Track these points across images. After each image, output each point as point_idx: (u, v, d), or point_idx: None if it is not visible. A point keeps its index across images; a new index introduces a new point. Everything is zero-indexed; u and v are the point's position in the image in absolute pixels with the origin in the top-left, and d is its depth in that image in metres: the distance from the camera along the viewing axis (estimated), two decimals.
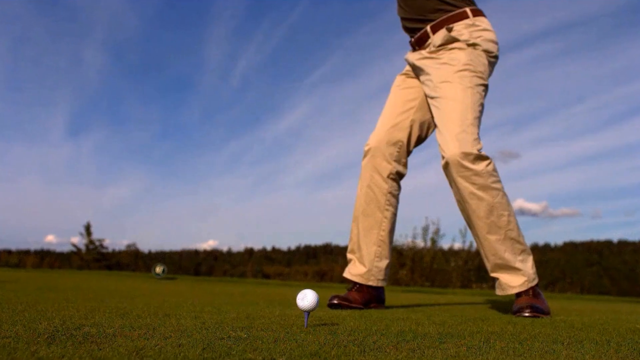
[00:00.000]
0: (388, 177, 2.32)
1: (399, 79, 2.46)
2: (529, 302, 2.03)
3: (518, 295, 2.12)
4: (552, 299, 4.52)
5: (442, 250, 13.30)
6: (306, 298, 1.28)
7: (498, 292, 2.17)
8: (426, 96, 2.31)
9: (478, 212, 2.09)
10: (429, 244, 12.91)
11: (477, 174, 2.06)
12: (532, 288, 2.12)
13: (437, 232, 12.89)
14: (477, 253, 14.16)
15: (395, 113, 2.37)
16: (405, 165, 2.36)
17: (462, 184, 2.07)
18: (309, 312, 1.30)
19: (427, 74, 2.27)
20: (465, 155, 2.05)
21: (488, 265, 2.17)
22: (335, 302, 2.18)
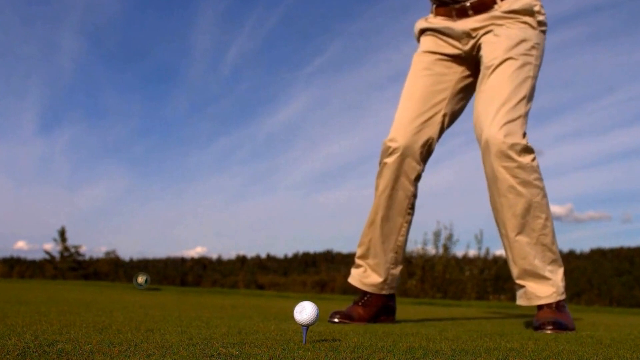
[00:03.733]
0: (415, 179, 2.31)
1: (425, 61, 2.36)
2: (552, 317, 2.03)
3: (540, 307, 2.12)
4: (577, 312, 4.52)
5: (455, 258, 13.33)
6: (304, 311, 1.28)
7: (521, 301, 2.16)
8: (477, 66, 2.27)
9: (514, 208, 2.09)
10: (440, 251, 12.93)
11: (521, 166, 2.07)
12: (558, 301, 2.12)
13: (449, 237, 12.92)
14: (494, 261, 14.22)
15: (426, 105, 2.31)
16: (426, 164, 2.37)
17: (504, 175, 2.07)
18: (307, 326, 1.30)
19: (490, 42, 2.22)
20: (513, 145, 2.06)
21: (514, 271, 2.16)
22: (336, 320, 2.18)
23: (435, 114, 2.31)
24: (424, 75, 2.34)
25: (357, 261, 2.36)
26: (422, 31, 2.43)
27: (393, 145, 2.27)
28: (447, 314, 3.78)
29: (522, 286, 2.16)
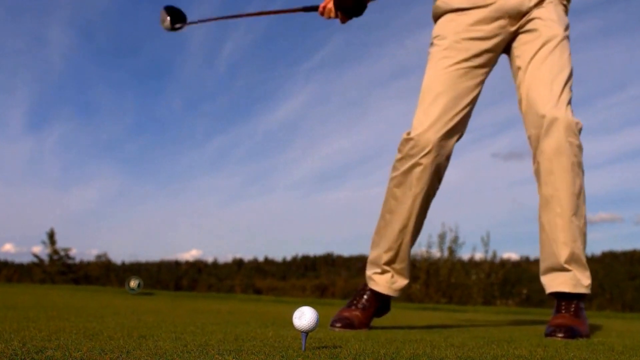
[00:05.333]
0: (442, 177, 2.33)
1: (456, 52, 2.26)
2: (567, 322, 2.02)
3: (557, 311, 2.12)
4: (588, 318, 4.51)
5: (461, 262, 13.34)
6: (304, 317, 1.28)
7: (564, 287, 2.11)
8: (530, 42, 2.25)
9: (573, 188, 2.11)
10: (446, 254, 12.94)
11: (580, 148, 2.14)
12: (578, 302, 2.12)
13: (455, 240, 12.93)
14: (502, 265, 14.20)
15: (462, 101, 2.26)
16: None
17: (570, 150, 2.10)
18: (306, 333, 1.30)
19: (546, 17, 2.23)
20: (577, 124, 2.13)
21: (563, 253, 2.11)
22: (338, 326, 2.17)
23: (468, 111, 2.30)
24: (459, 69, 2.26)
25: (384, 267, 2.32)
26: (449, 11, 2.31)
27: (429, 145, 2.22)
28: (453, 319, 3.78)
29: (569, 270, 2.12)
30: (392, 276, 2.32)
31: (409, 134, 2.26)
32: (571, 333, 1.97)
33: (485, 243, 13.20)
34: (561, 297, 2.14)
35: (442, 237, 12.88)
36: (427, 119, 2.24)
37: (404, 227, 2.29)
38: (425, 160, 2.23)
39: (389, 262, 2.31)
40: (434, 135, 2.22)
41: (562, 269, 2.12)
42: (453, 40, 2.28)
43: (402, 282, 2.32)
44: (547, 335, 2.00)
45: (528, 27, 2.25)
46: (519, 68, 2.27)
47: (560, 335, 1.96)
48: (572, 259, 2.11)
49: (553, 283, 2.15)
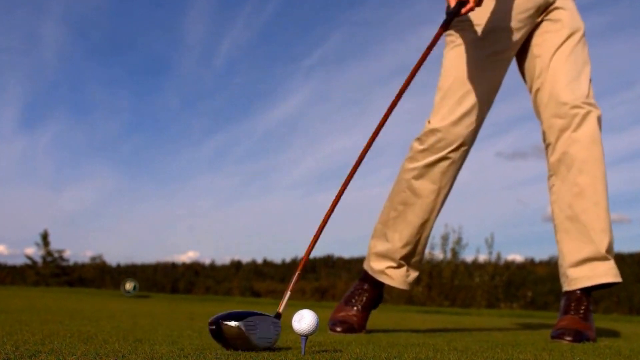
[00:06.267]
0: None
1: (489, 42, 2.21)
2: (574, 325, 2.02)
3: (565, 312, 2.12)
4: (595, 321, 4.51)
5: (464, 264, 13.35)
6: (303, 320, 1.28)
7: (608, 277, 2.11)
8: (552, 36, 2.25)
9: (606, 178, 2.16)
10: (449, 255, 12.95)
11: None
12: (588, 303, 2.12)
13: (458, 241, 12.94)
14: (506, 267, 14.21)
15: (491, 97, 2.28)
16: None
17: (601, 142, 2.16)
18: (306, 336, 1.30)
19: (569, 8, 2.25)
20: (600, 117, 2.18)
21: (605, 243, 2.12)
22: (338, 329, 2.18)
23: (491, 104, 2.30)
24: (493, 59, 2.23)
25: (400, 262, 2.30)
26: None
27: (459, 139, 2.20)
28: (456, 323, 3.78)
29: (609, 259, 2.13)
30: (407, 270, 2.32)
31: (429, 122, 2.22)
32: (579, 337, 1.97)
33: (489, 244, 13.22)
34: (600, 288, 2.14)
35: (445, 238, 12.90)
36: (458, 111, 2.20)
37: (426, 221, 2.28)
38: (454, 155, 2.21)
39: (406, 257, 2.30)
40: (464, 130, 2.20)
41: (604, 258, 2.12)
42: (487, 28, 2.21)
43: (414, 274, 2.35)
44: (554, 337, 2.00)
45: (551, 16, 2.24)
46: (537, 56, 2.24)
47: (567, 339, 1.96)
48: (611, 247, 2.14)
49: (594, 274, 2.11)
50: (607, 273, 2.10)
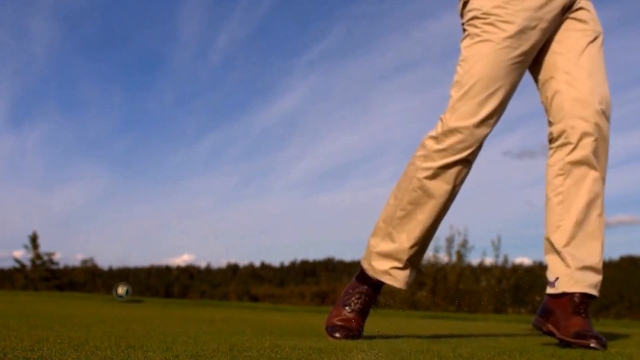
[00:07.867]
0: None
1: (520, 42, 2.17)
2: (592, 330, 2.02)
3: (577, 312, 2.10)
4: (605, 326, 4.51)
5: (470, 267, 13.37)
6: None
7: (595, 290, 2.12)
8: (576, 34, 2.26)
9: (604, 177, 2.19)
10: (454, 258, 12.97)
11: None
12: (588, 307, 2.13)
13: (464, 244, 12.96)
14: (514, 270, 14.22)
15: (511, 98, 2.28)
16: None
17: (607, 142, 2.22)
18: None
19: (589, 8, 2.27)
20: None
21: (601, 257, 2.15)
22: (337, 335, 2.18)
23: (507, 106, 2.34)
24: (521, 60, 2.19)
25: (406, 262, 2.29)
26: None
27: (480, 141, 2.18)
28: (461, 328, 3.79)
29: (600, 273, 2.15)
30: (411, 270, 2.32)
31: (447, 119, 2.18)
32: (602, 342, 1.97)
33: (496, 247, 13.24)
34: (586, 299, 2.12)
35: (450, 240, 12.92)
36: (481, 112, 2.16)
37: (436, 221, 2.27)
38: (472, 157, 2.20)
39: (412, 257, 2.29)
40: (486, 131, 2.18)
41: (599, 271, 2.14)
42: (520, 28, 2.16)
43: (414, 273, 2.35)
44: (575, 338, 2.00)
45: (576, 15, 2.24)
46: (558, 53, 2.23)
47: (593, 344, 1.95)
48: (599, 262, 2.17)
49: (585, 282, 2.11)
50: (596, 286, 2.14)
